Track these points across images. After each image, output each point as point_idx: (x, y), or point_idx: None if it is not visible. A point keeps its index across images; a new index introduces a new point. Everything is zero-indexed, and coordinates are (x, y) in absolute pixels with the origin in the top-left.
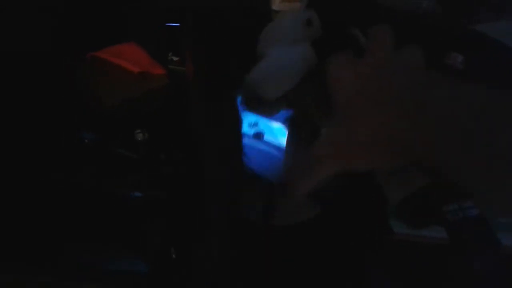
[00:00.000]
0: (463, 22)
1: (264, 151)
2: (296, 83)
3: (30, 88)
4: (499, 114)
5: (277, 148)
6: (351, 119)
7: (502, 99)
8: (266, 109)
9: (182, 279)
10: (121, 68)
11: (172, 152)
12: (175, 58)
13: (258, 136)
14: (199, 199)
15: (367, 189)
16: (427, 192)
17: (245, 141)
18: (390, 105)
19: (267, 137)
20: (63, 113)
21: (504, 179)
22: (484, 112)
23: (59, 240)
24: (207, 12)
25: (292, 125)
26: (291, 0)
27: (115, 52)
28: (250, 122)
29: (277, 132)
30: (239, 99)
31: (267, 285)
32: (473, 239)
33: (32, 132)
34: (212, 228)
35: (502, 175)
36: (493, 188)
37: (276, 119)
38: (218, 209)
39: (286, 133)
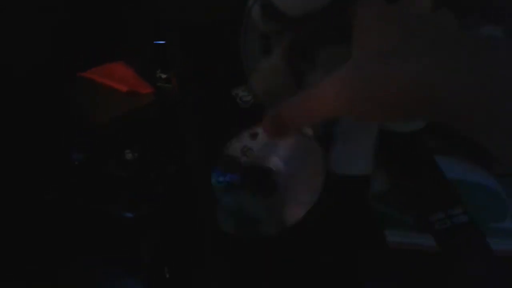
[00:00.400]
0: None
1: None
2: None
3: (20, 109)
4: None
5: None
6: (373, 64)
7: None
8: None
9: None
10: (110, 87)
11: (162, 170)
12: (163, 76)
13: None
14: (192, 216)
15: (358, 199)
16: (414, 203)
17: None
18: (423, 54)
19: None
20: (54, 133)
21: None
22: None
23: (51, 262)
24: (193, 28)
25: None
26: None
27: (104, 72)
28: None
29: None
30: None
31: None
32: (463, 246)
33: (23, 153)
34: (207, 244)
35: None
36: None
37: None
38: (211, 224)
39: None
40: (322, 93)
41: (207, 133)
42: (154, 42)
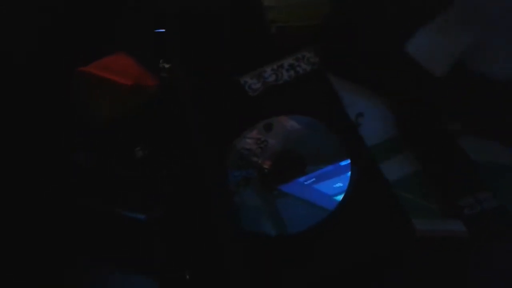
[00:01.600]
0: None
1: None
2: None
3: (19, 107)
4: None
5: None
6: None
7: None
8: None
9: None
10: (112, 82)
11: (174, 169)
12: (166, 65)
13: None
14: (204, 215)
15: (382, 188)
16: (440, 188)
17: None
18: None
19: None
20: (54, 133)
21: None
22: None
23: (62, 264)
24: (192, 16)
25: None
26: None
27: (104, 66)
28: None
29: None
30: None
31: None
32: (495, 232)
33: (27, 154)
34: (222, 243)
35: None
36: None
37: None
38: (224, 222)
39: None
40: None
41: (217, 126)
42: (155, 30)
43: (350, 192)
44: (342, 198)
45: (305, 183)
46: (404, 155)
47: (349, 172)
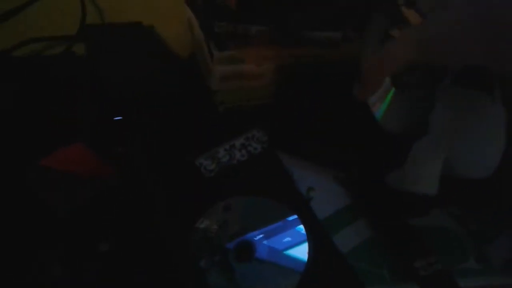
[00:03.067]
0: None
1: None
2: None
3: None
4: None
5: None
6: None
7: None
8: None
9: None
10: (70, 173)
11: (142, 259)
12: (120, 149)
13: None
14: None
15: (337, 261)
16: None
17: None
18: None
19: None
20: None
21: None
22: None
23: None
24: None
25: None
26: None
27: (62, 158)
28: None
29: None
30: None
31: None
32: None
33: None
34: None
35: None
36: None
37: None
38: None
39: None
40: (394, 47)
41: (177, 208)
42: (114, 118)
43: (308, 266)
44: (303, 272)
45: (255, 238)
46: (354, 225)
47: (297, 227)
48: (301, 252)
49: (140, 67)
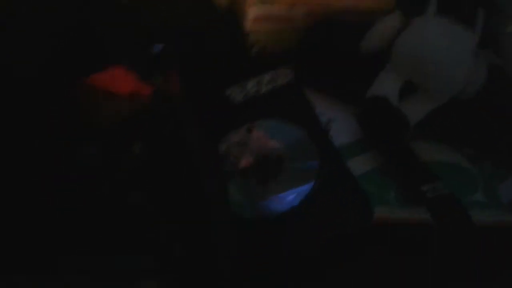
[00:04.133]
0: None
1: None
2: None
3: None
4: None
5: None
6: None
7: None
8: None
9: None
10: (111, 91)
11: (169, 162)
12: (159, 79)
13: None
14: (200, 202)
15: (347, 180)
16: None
17: None
18: None
19: None
20: (61, 137)
21: None
22: None
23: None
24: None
25: None
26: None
27: (105, 78)
28: None
29: None
30: None
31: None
32: (450, 214)
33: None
34: (215, 229)
35: None
36: None
37: None
38: (218, 208)
39: None
40: None
41: (206, 129)
42: (150, 46)
43: (318, 183)
44: (311, 189)
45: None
46: (367, 154)
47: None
48: (314, 173)
49: (179, 7)
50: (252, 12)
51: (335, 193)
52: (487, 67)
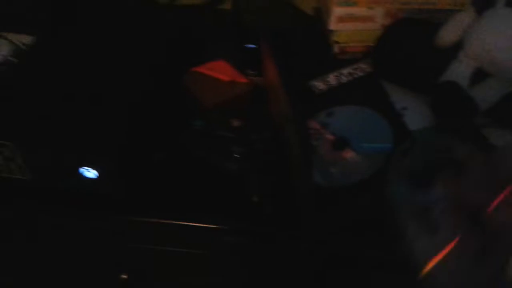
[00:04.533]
0: None
1: None
2: None
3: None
4: None
5: None
6: None
7: None
8: None
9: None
10: (215, 78)
11: (261, 134)
12: (251, 72)
13: None
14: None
15: None
16: None
17: None
18: None
19: None
20: (175, 112)
21: None
22: None
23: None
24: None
25: None
26: (348, 20)
27: (210, 67)
28: None
29: None
30: None
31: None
32: None
33: (160, 123)
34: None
35: None
36: None
37: None
38: (304, 178)
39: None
40: None
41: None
42: (245, 45)
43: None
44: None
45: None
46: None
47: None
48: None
49: (271, 13)
50: (336, 13)
51: None
52: None
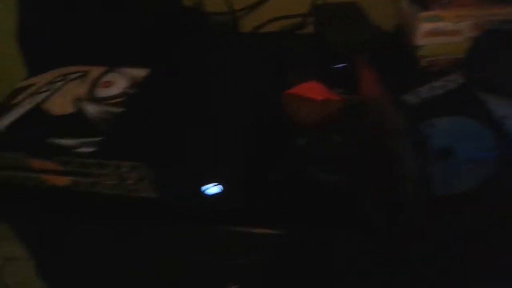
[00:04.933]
0: None
1: None
2: None
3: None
4: None
5: None
6: None
7: None
8: None
9: None
10: (309, 98)
11: (363, 148)
12: (340, 90)
13: None
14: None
15: None
16: None
17: None
18: None
19: None
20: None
21: None
22: None
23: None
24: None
25: None
26: (435, 35)
27: (303, 88)
28: None
29: None
30: None
31: None
32: None
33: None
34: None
35: None
36: None
37: None
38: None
39: None
40: None
41: None
42: (333, 66)
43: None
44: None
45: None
46: None
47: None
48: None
49: (352, 32)
50: (423, 28)
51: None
52: None
